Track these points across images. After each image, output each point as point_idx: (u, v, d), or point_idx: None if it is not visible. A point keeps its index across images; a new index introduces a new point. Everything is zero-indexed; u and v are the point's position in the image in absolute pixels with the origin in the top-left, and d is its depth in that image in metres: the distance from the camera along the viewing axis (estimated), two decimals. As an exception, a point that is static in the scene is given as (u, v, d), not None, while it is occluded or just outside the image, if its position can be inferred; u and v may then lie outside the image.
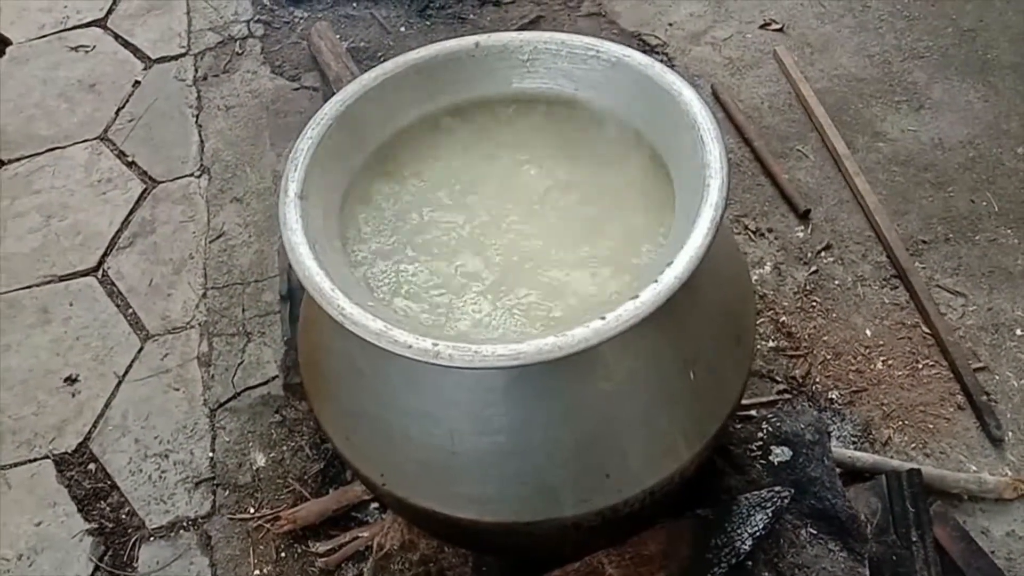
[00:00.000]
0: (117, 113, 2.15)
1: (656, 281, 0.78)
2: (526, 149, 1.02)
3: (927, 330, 1.64)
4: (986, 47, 2.10)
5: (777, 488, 1.18)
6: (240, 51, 2.26)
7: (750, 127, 1.98)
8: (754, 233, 1.81)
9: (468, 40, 1.02)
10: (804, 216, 1.82)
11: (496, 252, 0.96)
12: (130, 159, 2.05)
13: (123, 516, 1.53)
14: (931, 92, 2.02)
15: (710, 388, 0.94)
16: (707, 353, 0.93)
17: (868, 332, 1.64)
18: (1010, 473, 1.45)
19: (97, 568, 1.47)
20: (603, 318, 0.76)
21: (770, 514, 1.15)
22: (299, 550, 1.46)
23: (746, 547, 1.13)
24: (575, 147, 1.01)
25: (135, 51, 2.30)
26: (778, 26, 2.19)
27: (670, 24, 2.25)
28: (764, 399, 1.56)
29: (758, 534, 1.14)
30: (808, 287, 1.72)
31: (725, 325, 0.97)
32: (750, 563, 1.14)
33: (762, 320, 1.67)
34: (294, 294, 1.45)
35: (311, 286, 0.81)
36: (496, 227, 0.98)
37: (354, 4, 2.33)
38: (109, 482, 1.57)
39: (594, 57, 0.98)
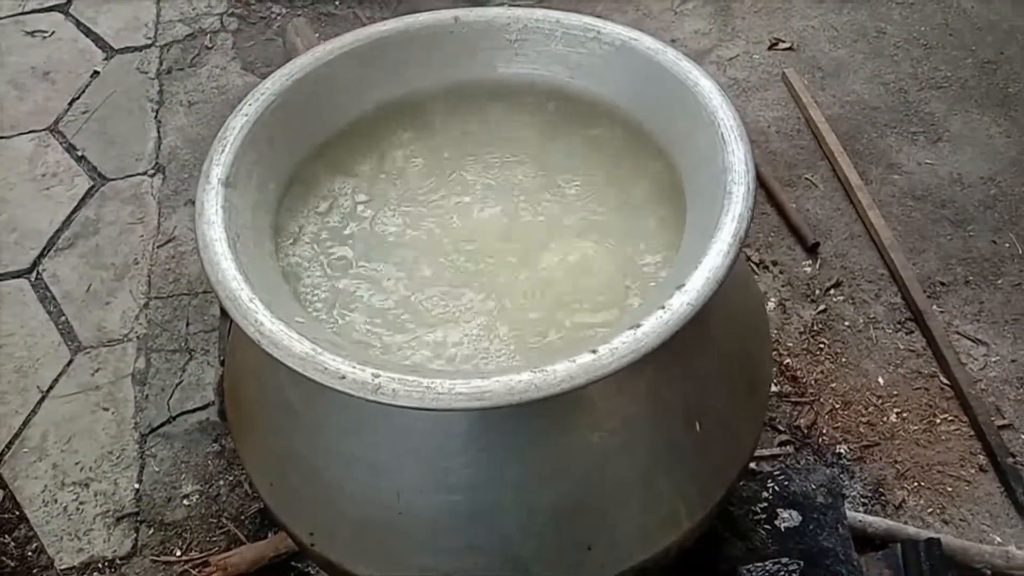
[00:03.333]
0: (71, 104, 1.98)
1: (663, 308, 0.61)
2: (507, 146, 0.86)
3: (945, 380, 1.48)
4: (1007, 80, 1.97)
5: (784, 560, 1.01)
6: (210, 45, 2.09)
7: (756, 152, 1.82)
8: (758, 265, 1.65)
9: (446, 14, 0.86)
10: (812, 250, 1.66)
11: (467, 266, 0.79)
12: (80, 153, 1.87)
13: (29, 553, 1.34)
14: (949, 124, 1.89)
15: (719, 444, 0.77)
16: (717, 402, 0.76)
17: (880, 380, 1.48)
18: (1039, 547, 1.29)
19: (-9, 615, 1.28)
20: (594, 351, 0.59)
21: (776, 591, 0.98)
22: (229, 602, 1.27)
23: (748, 630, 0.96)
24: (566, 146, 0.85)
25: (97, 40, 2.12)
26: (787, 45, 2.05)
27: (673, 41, 2.10)
28: (765, 452, 1.39)
29: (762, 615, 0.97)
30: (815, 327, 1.56)
31: (739, 369, 0.80)
32: (751, 649, 0.97)
33: (764, 361, 1.51)
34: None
35: (224, 293, 0.64)
36: (467, 237, 0.82)
37: (336, 2, 2.18)
38: (17, 512, 1.37)
39: (594, 39, 0.83)
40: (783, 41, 2.08)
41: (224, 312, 1.29)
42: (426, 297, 0.75)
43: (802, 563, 1.02)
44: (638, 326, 0.61)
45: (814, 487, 1.11)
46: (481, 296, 0.75)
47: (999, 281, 1.62)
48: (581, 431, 0.69)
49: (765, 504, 1.09)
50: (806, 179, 1.80)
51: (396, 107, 0.87)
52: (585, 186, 0.82)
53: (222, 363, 1.28)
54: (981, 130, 1.87)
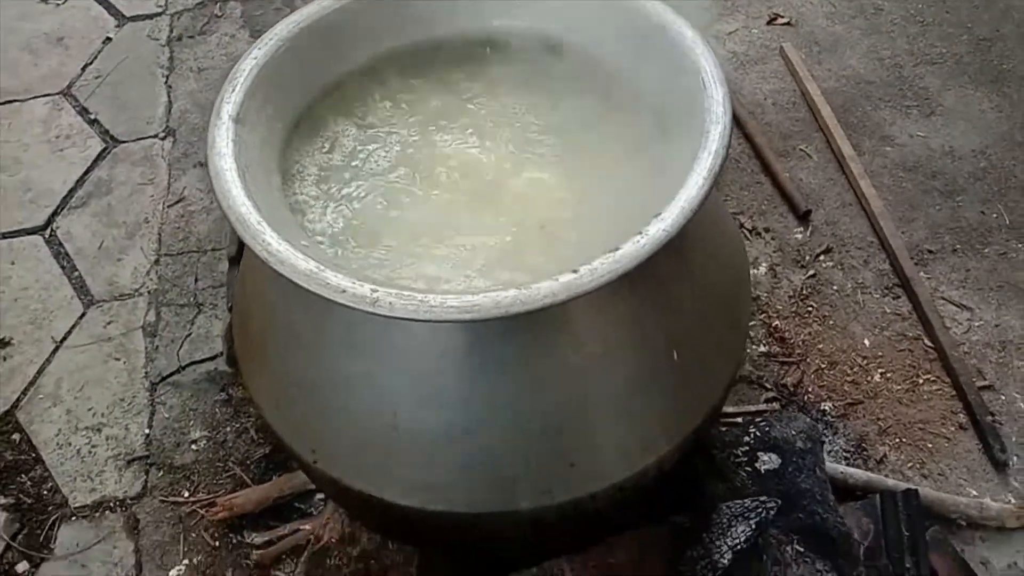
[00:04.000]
0: (83, 69, 2.03)
1: (640, 233, 0.66)
2: (501, 93, 0.90)
3: (929, 343, 1.52)
4: (1002, 57, 2.00)
5: (763, 498, 1.06)
6: (220, 13, 2.14)
7: (752, 123, 1.87)
8: (750, 232, 1.69)
9: (447, -34, 0.90)
10: (804, 217, 1.71)
11: (461, 199, 0.84)
12: (92, 117, 1.92)
13: (44, 492, 1.40)
14: (943, 99, 1.92)
15: (696, 373, 0.82)
16: (695, 333, 0.81)
17: (866, 342, 1.53)
18: (1014, 500, 1.34)
19: (8, 547, 1.33)
20: (575, 271, 0.64)
21: (753, 526, 1.03)
22: (234, 540, 1.33)
23: (725, 561, 1.01)
24: (558, 92, 0.89)
25: (109, 7, 2.17)
26: (785, 20, 2.09)
27: (673, 15, 2.14)
28: (752, 408, 1.44)
29: (739, 547, 1.02)
30: (805, 291, 1.60)
31: (717, 305, 0.85)
32: (729, 580, 1.02)
33: (754, 323, 1.56)
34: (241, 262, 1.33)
35: (234, 217, 0.69)
36: (463, 173, 0.86)
37: (344, -27, 2.22)
38: (34, 455, 1.44)
39: (585, -8, 0.87)
40: (782, 16, 2.11)
41: (232, 261, 1.35)
42: (423, 231, 0.80)
43: (780, 502, 1.06)
44: (617, 249, 0.65)
45: (794, 433, 1.15)
46: (474, 229, 0.80)
47: (985, 250, 1.66)
48: (565, 353, 0.74)
49: (747, 448, 1.14)
50: (800, 150, 1.84)
51: (397, 56, 0.91)
52: (576, 129, 0.87)
53: (230, 310, 1.33)
54: (974, 105, 1.91)
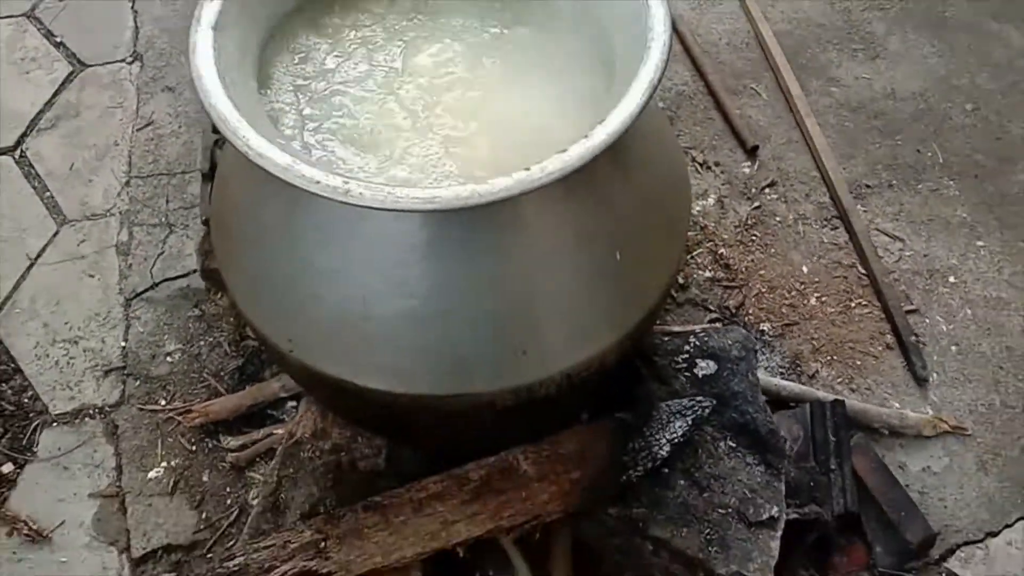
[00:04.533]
0: (48, -9, 2.03)
1: (586, 137, 0.74)
2: (461, 9, 0.97)
3: (863, 271, 1.64)
4: (945, 4, 2.09)
5: (699, 398, 1.17)
6: (185, -61, 2.14)
7: (706, 61, 1.94)
8: (701, 166, 1.78)
9: None
10: (752, 152, 1.80)
11: (432, 109, 0.91)
12: (58, 39, 1.93)
13: (25, 400, 1.46)
14: (888, 43, 2.01)
15: (637, 274, 0.91)
16: (636, 237, 0.90)
17: (804, 269, 1.64)
18: (931, 412, 1.47)
19: (-7, 451, 1.40)
20: (527, 169, 0.72)
21: (690, 422, 1.14)
22: (210, 445, 1.42)
23: (663, 453, 1.12)
24: (514, 10, 0.96)
25: (73, -71, 2.16)
26: (743, -37, 2.15)
27: (636, -45, 2.19)
28: (697, 327, 1.54)
29: (676, 441, 1.13)
30: (749, 222, 1.70)
31: (658, 213, 0.94)
32: (666, 470, 1.13)
33: (700, 251, 1.66)
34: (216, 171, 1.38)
35: (216, 115, 0.75)
36: (426, 84, 0.93)
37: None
38: (13, 365, 1.50)
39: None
40: (740, -41, 2.17)
41: (205, 177, 1.41)
42: (389, 135, 0.87)
43: (714, 402, 1.17)
44: (564, 151, 0.73)
45: (730, 343, 1.26)
46: (438, 132, 0.87)
47: (919, 186, 1.77)
48: (518, 248, 0.82)
49: (686, 355, 1.24)
50: (751, 88, 1.92)
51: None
52: (529, 47, 0.94)
53: (204, 223, 1.39)
54: (916, 49, 2.00)
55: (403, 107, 0.91)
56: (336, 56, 0.93)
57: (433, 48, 0.96)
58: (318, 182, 0.71)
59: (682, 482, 1.13)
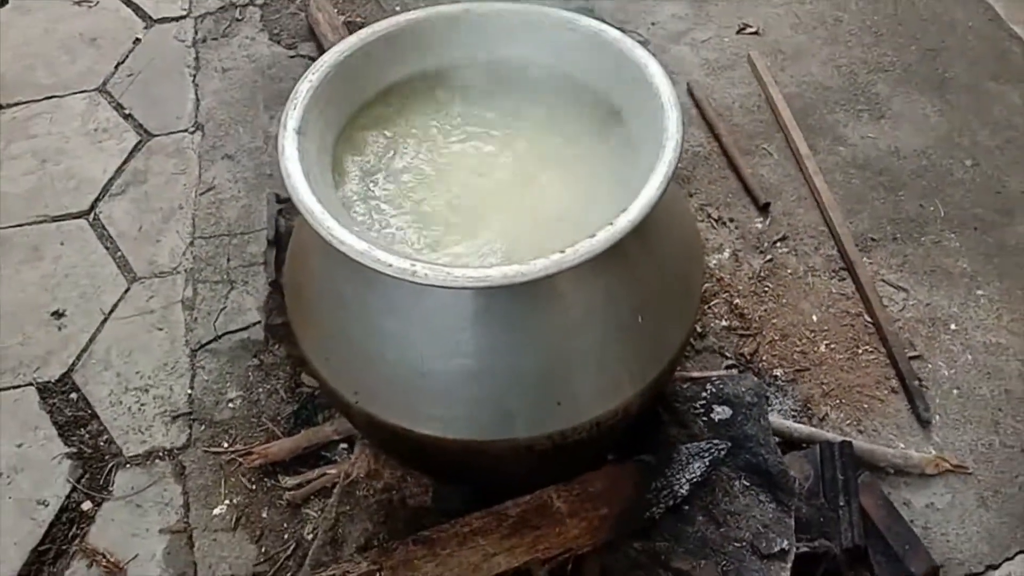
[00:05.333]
0: (116, 67, 2.22)
1: (611, 224, 0.88)
2: (506, 109, 1.12)
3: (869, 319, 1.76)
4: (945, 66, 2.23)
5: (715, 441, 1.29)
6: (240, 17, 2.34)
7: (720, 124, 2.09)
8: (716, 221, 1.92)
9: (460, 6, 1.12)
10: (764, 209, 1.93)
11: (475, 197, 1.06)
12: (127, 111, 2.12)
13: (101, 443, 1.61)
14: (892, 104, 2.15)
15: (656, 333, 1.05)
16: (655, 301, 1.04)
17: (814, 317, 1.76)
18: (934, 452, 1.57)
19: (74, 489, 1.55)
20: (562, 251, 0.86)
21: (707, 463, 1.26)
22: (268, 484, 1.55)
23: (683, 491, 1.24)
24: (552, 109, 1.11)
25: (137, 10, 2.37)
26: (753, 29, 2.31)
27: (653, 23, 2.36)
28: (714, 373, 1.67)
29: (695, 480, 1.25)
30: (762, 274, 1.83)
31: (674, 278, 1.08)
32: (687, 507, 1.25)
33: (717, 302, 1.79)
34: (281, 239, 1.54)
35: (304, 208, 0.90)
36: (476, 172, 1.08)
37: (353, -20, 2.42)
38: (90, 411, 1.65)
39: (572, 29, 1.09)
40: (750, 26, 2.33)
41: (270, 243, 1.56)
42: (441, 215, 1.02)
43: (730, 444, 1.30)
44: (593, 236, 0.88)
45: (743, 390, 1.38)
46: (482, 212, 1.02)
47: (922, 239, 1.89)
48: (554, 315, 0.96)
49: (703, 401, 1.37)
50: (763, 148, 2.07)
51: (420, 78, 1.13)
52: (566, 142, 1.09)
53: (271, 284, 1.54)
54: (918, 109, 2.14)
55: (451, 191, 1.06)
56: (394, 149, 1.08)
57: (475, 141, 1.11)
58: (390, 264, 0.86)
59: (701, 518, 1.25)
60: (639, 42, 1.06)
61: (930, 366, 1.69)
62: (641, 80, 1.02)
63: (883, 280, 1.82)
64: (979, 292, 1.79)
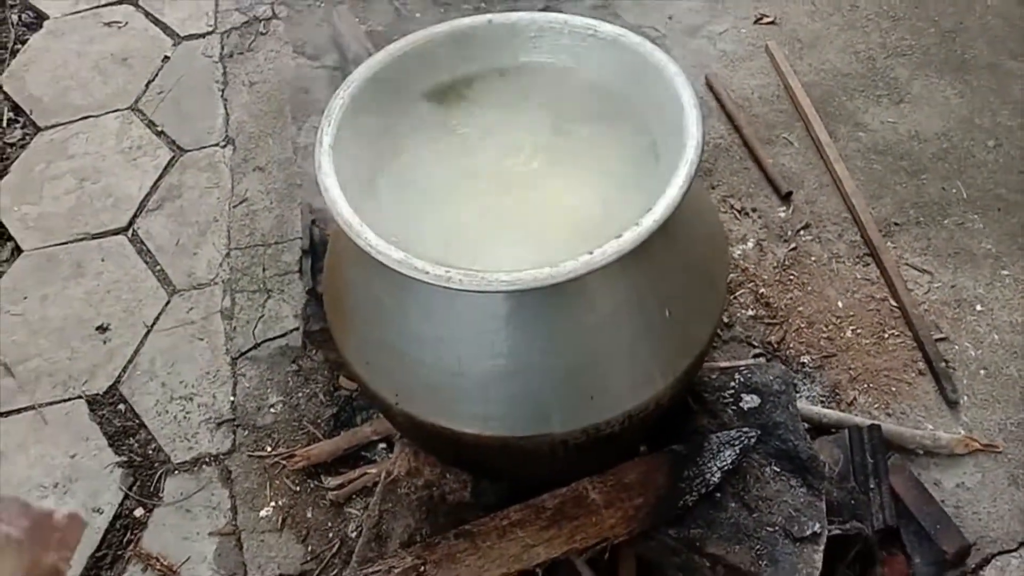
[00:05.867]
0: (147, 86, 2.29)
1: (637, 224, 0.92)
2: (530, 115, 1.16)
3: (894, 303, 1.77)
4: (964, 47, 2.23)
5: (745, 429, 1.32)
6: (264, 31, 2.39)
7: (740, 115, 2.11)
8: (739, 212, 1.94)
9: (482, 17, 1.15)
10: (786, 198, 1.96)
11: (506, 208, 1.10)
12: (159, 128, 2.19)
13: (150, 451, 1.67)
14: (911, 88, 2.16)
15: (684, 327, 1.08)
16: (682, 296, 1.07)
17: (840, 304, 1.78)
18: (963, 432, 1.59)
19: (127, 496, 1.61)
20: (590, 253, 0.90)
21: (738, 451, 1.29)
22: (312, 485, 1.61)
23: (715, 479, 1.27)
24: (574, 114, 1.15)
25: (165, 28, 2.43)
26: (770, 19, 2.32)
27: (669, 18, 2.38)
28: (742, 362, 1.69)
29: (726, 468, 1.28)
30: (787, 262, 1.85)
31: (699, 273, 1.11)
32: (718, 494, 1.28)
33: (742, 291, 1.81)
34: (316, 248, 1.59)
35: (343, 221, 0.94)
36: (504, 179, 1.12)
37: (372, -11, 2.47)
38: (137, 421, 1.71)
39: (592, 36, 1.12)
40: (767, 16, 2.35)
41: (305, 252, 1.61)
42: (473, 223, 1.06)
43: (759, 432, 1.32)
44: (620, 236, 0.91)
45: (771, 378, 1.41)
46: (512, 219, 1.06)
47: (945, 221, 1.90)
48: (584, 314, 1.00)
49: (732, 391, 1.40)
50: (783, 138, 2.08)
51: (447, 87, 1.17)
52: (589, 145, 1.13)
53: (308, 292, 1.60)
54: (938, 92, 2.14)
55: (479, 195, 1.10)
56: (426, 160, 1.13)
57: (501, 146, 1.15)
58: (427, 272, 0.90)
59: (733, 504, 1.28)
60: (656, 38, 1.09)
61: (957, 347, 1.71)
62: (660, 81, 1.05)
63: (907, 264, 1.83)
64: (1004, 272, 1.80)
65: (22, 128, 2.22)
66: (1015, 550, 1.46)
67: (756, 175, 2.01)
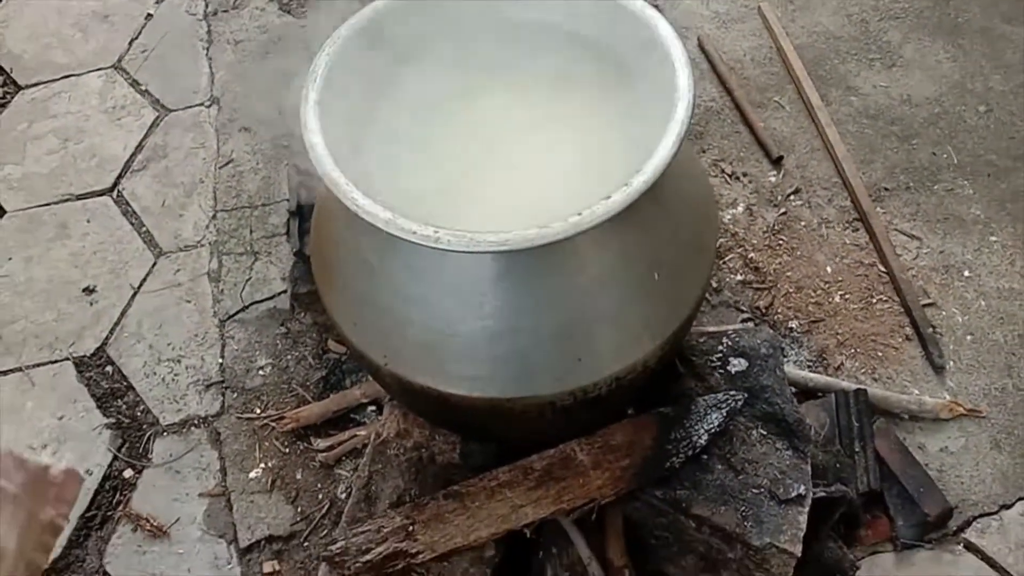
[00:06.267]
0: (130, 44, 2.25)
1: (627, 185, 0.91)
2: (521, 70, 1.14)
3: (883, 269, 1.78)
4: (958, 11, 2.21)
5: (732, 392, 1.33)
6: (249, -12, 2.35)
7: (731, 78, 2.09)
8: (730, 176, 1.94)
9: (473, -26, 1.13)
10: (777, 162, 1.95)
11: (493, 167, 1.09)
12: (143, 88, 2.15)
13: (139, 413, 1.67)
14: (903, 51, 2.14)
15: (672, 289, 1.07)
16: (670, 258, 1.06)
17: (828, 269, 1.78)
18: (948, 397, 1.60)
19: (115, 458, 1.61)
20: (579, 214, 0.89)
21: (725, 414, 1.30)
22: (301, 447, 1.61)
23: (702, 442, 1.28)
24: (563, 76, 1.13)
25: (147, -16, 2.39)
26: (763, -18, 2.30)
27: (662, -22, 2.35)
28: (730, 327, 1.69)
29: (713, 431, 1.29)
30: (776, 227, 1.85)
31: (688, 236, 1.10)
32: (705, 456, 1.29)
33: (732, 256, 1.81)
34: (303, 210, 1.58)
35: (329, 180, 0.93)
36: (492, 146, 1.11)
37: (359, -53, 2.42)
38: (125, 383, 1.71)
39: (582, -8, 1.10)
40: (760, -23, 2.32)
41: (293, 214, 1.60)
42: (464, 185, 1.05)
43: (746, 395, 1.33)
44: (608, 197, 0.90)
45: (759, 342, 1.41)
46: (502, 183, 1.05)
47: (935, 187, 1.90)
48: (572, 275, 0.99)
49: (720, 355, 1.40)
50: (775, 101, 2.07)
51: (434, 43, 1.15)
52: (577, 103, 1.11)
53: (295, 254, 1.59)
54: (931, 56, 2.13)
55: (471, 156, 1.09)
56: (413, 118, 1.11)
57: (487, 103, 1.14)
58: (414, 232, 0.89)
59: (719, 466, 1.29)
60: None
61: (944, 313, 1.72)
62: (651, 39, 1.04)
63: (896, 229, 1.84)
64: (992, 239, 1.81)
65: (2, 87, 2.18)
66: (995, 512, 1.48)
67: (747, 139, 2.00)
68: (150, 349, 1.74)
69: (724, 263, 1.79)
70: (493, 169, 1.09)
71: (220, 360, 1.71)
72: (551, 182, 1.07)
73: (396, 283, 1.03)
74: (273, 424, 1.62)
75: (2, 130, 2.09)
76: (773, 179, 1.93)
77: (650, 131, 0.99)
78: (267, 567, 1.50)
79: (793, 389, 1.42)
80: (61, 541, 1.49)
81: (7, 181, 1.99)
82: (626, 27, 1.08)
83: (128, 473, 1.60)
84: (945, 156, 1.94)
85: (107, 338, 1.76)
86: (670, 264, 1.06)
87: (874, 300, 1.74)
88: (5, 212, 1.94)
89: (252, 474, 1.59)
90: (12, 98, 2.15)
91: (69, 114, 2.11)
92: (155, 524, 1.55)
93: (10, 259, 1.87)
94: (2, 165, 2.02)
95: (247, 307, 1.77)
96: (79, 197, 1.96)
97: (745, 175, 1.94)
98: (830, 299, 1.74)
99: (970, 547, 1.45)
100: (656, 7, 1.07)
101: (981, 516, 1.47)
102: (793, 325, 1.71)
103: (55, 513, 0.90)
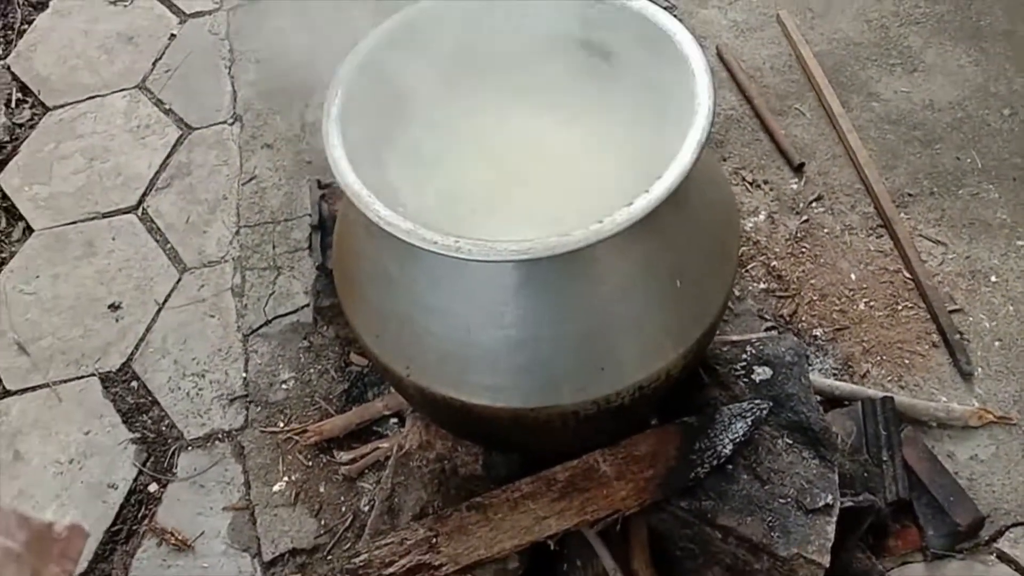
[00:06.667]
0: (154, 64, 2.28)
1: (647, 191, 0.91)
2: (540, 80, 1.14)
3: (908, 275, 1.76)
4: (980, 14, 2.19)
5: (757, 401, 1.31)
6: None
7: (751, 86, 2.09)
8: (751, 184, 1.93)
9: (490, -13, 1.14)
10: (798, 169, 1.93)
11: (512, 179, 1.09)
12: (167, 107, 2.18)
13: (163, 428, 1.68)
14: (925, 56, 2.13)
15: (695, 297, 1.07)
16: (693, 265, 1.06)
17: (853, 276, 1.77)
18: (977, 404, 1.58)
19: (140, 472, 1.62)
20: (600, 222, 0.89)
21: (750, 423, 1.29)
22: (324, 460, 1.61)
23: (727, 451, 1.27)
24: (583, 79, 1.13)
25: (171, 6, 2.42)
26: (781, -11, 2.29)
27: (679, -12, 2.35)
28: (754, 336, 1.68)
29: (738, 440, 1.27)
30: (799, 235, 1.84)
31: (711, 243, 1.09)
32: (730, 466, 1.28)
33: (754, 264, 1.80)
34: (325, 224, 1.59)
35: (351, 193, 0.94)
36: (511, 158, 1.11)
37: (378, -35, 2.44)
38: (150, 398, 1.72)
39: (601, 1, 1.10)
40: (778, -15, 2.31)
41: (315, 228, 1.61)
42: (486, 194, 1.05)
43: (771, 403, 1.32)
44: (631, 204, 0.90)
45: (783, 350, 1.40)
46: (525, 192, 1.05)
47: (959, 191, 1.88)
48: (594, 283, 0.99)
49: (744, 363, 1.39)
50: (795, 109, 2.06)
51: (454, 55, 1.15)
52: (597, 112, 1.11)
53: (318, 268, 1.60)
54: (953, 60, 2.11)
55: (493, 166, 1.09)
56: (434, 131, 1.12)
57: (507, 114, 1.14)
58: (435, 242, 0.89)
59: (745, 476, 1.28)
60: (667, 7, 1.08)
61: (971, 319, 1.69)
62: (670, 48, 1.04)
63: (921, 235, 1.82)
64: (1019, 243, 1.78)
65: (31, 108, 2.22)
66: (1029, 521, 1.45)
67: (768, 146, 1.99)
68: (175, 364, 1.76)
69: (747, 271, 1.78)
70: (516, 178, 1.10)
71: (244, 374, 1.72)
72: (571, 192, 1.07)
73: (417, 294, 1.03)
74: (296, 437, 1.63)
75: (30, 151, 2.12)
76: (795, 186, 1.92)
77: (671, 140, 0.99)
78: (291, 580, 1.50)
79: (819, 397, 1.40)
80: None
81: (35, 200, 2.03)
82: (646, 36, 1.08)
83: (153, 487, 1.61)
84: (969, 160, 1.92)
85: (132, 354, 1.78)
86: (693, 271, 1.05)
87: (900, 307, 1.72)
88: (33, 231, 1.97)
89: (276, 487, 1.60)
90: (40, 120, 2.19)
91: (95, 134, 2.14)
92: (180, 538, 1.56)
93: (38, 277, 1.90)
94: (30, 185, 2.05)
95: (270, 321, 1.78)
96: (105, 215, 1.99)
97: (766, 183, 1.93)
98: (855, 306, 1.73)
99: (1003, 557, 1.42)
100: (675, 16, 1.07)
101: (1014, 525, 1.45)
102: (818, 333, 1.69)
103: (59, 570, 0.90)
